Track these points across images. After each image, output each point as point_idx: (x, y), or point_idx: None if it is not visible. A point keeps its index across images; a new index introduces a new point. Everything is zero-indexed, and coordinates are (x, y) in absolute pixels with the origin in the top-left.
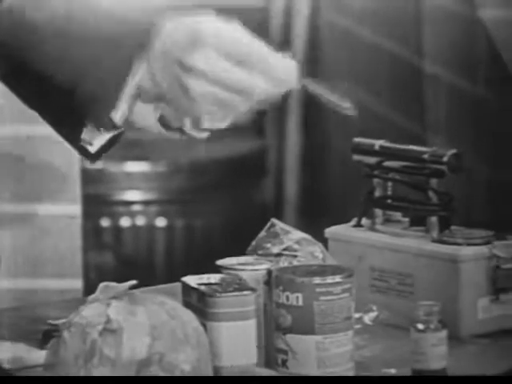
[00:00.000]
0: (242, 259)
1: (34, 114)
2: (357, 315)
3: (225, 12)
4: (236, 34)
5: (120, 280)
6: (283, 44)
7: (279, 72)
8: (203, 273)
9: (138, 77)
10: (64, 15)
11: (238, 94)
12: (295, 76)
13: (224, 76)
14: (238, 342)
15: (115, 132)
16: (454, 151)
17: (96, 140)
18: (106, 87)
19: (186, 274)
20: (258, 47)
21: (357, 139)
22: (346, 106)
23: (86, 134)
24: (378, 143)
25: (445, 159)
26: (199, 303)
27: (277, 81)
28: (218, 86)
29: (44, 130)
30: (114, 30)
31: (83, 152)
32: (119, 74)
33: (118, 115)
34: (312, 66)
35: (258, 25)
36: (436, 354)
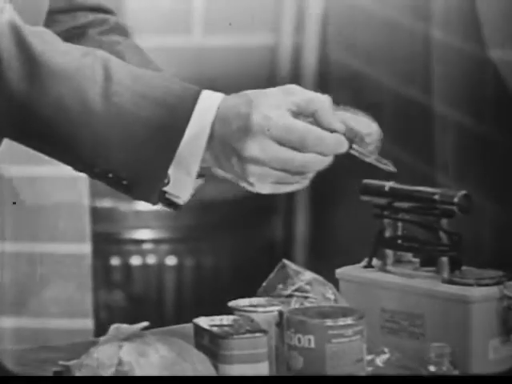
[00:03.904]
0: (254, 300)
1: (40, 155)
2: (369, 357)
3: (234, 51)
4: (286, 120)
5: (130, 319)
6: (292, 82)
7: (331, 147)
8: (213, 312)
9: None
10: None
11: (294, 174)
12: (346, 146)
13: (280, 161)
14: None
15: (201, 182)
16: (464, 192)
17: (183, 192)
18: None
19: (195, 314)
20: (307, 130)
21: (366, 181)
22: (386, 164)
23: (172, 188)
24: (388, 185)
25: (455, 200)
26: (211, 345)
27: (330, 154)
28: (276, 170)
29: (51, 170)
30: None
31: (166, 203)
32: None
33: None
34: None
35: (268, 63)
36: None
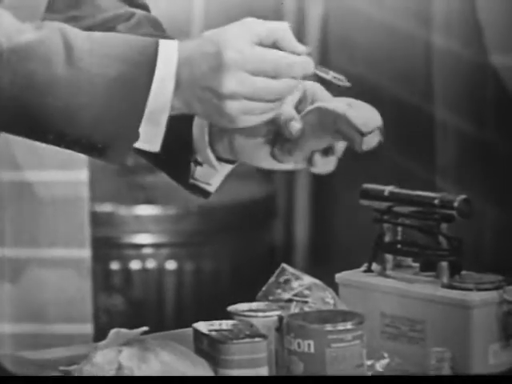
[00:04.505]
0: (254, 305)
1: (40, 160)
2: (368, 362)
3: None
4: (257, 49)
5: (130, 324)
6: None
7: (302, 70)
8: (213, 316)
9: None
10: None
11: (271, 102)
12: (313, 66)
13: (258, 91)
14: None
15: (231, 167)
16: (463, 197)
17: (213, 179)
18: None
19: (195, 318)
20: (279, 57)
21: (366, 185)
22: (341, 80)
23: (199, 174)
24: (388, 189)
25: (455, 204)
26: (210, 349)
27: (300, 76)
28: (254, 101)
29: (51, 174)
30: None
31: (196, 190)
32: None
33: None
34: None
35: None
36: None
